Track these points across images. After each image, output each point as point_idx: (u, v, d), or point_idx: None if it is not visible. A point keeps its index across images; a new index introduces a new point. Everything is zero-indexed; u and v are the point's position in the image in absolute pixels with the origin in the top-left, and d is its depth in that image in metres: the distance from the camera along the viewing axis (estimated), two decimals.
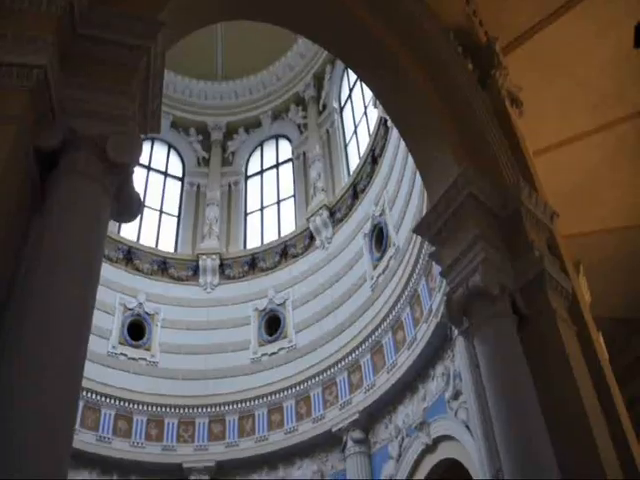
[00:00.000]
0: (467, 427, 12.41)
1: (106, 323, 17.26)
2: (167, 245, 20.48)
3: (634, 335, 12.28)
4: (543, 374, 5.97)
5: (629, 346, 12.29)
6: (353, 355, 16.12)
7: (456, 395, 13.08)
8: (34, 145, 4.13)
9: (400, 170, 15.92)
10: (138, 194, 4.75)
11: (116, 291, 18.02)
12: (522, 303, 6.31)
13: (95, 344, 16.45)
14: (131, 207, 4.62)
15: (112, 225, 18.63)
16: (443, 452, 13.55)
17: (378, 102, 15.00)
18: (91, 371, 16.02)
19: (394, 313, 15.30)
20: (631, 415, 7.03)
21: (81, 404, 15.75)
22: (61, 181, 4.09)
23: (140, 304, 18.24)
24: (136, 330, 17.95)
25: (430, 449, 13.75)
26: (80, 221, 3.98)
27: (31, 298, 3.98)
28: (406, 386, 14.71)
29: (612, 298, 11.31)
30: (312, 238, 19.12)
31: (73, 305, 3.95)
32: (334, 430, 15.61)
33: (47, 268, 3.88)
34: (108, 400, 16.29)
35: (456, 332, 12.11)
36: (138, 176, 19.86)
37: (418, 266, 14.32)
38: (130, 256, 18.95)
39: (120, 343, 17.45)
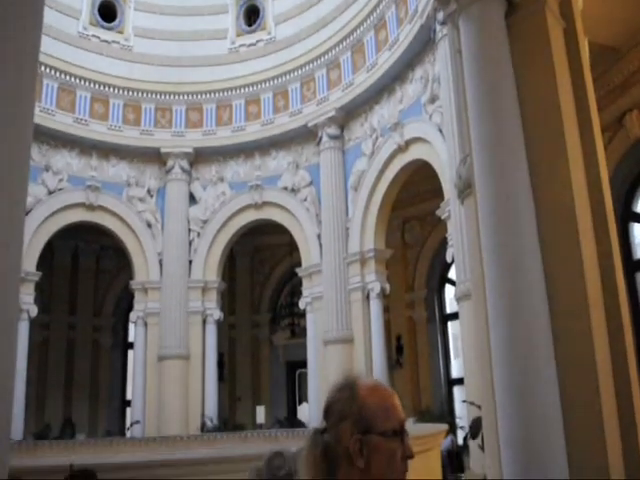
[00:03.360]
0: (440, 130, 12.62)
1: (74, 1, 16.34)
2: None
3: (616, 64, 11.92)
4: (525, 67, 5.82)
5: (610, 73, 12.01)
6: (333, 52, 15.75)
7: (433, 99, 13.10)
8: None
9: None
10: None
11: None
12: None
13: (64, 24, 15.77)
14: None
15: None
16: (414, 153, 13.99)
17: None
18: (62, 51, 15.60)
19: (378, 11, 14.61)
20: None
21: (55, 85, 15.60)
22: None
23: None
24: (108, 11, 17.07)
25: (402, 149, 14.15)
26: None
27: None
28: (384, 87, 14.65)
29: (604, 24, 10.69)
30: None
31: None
32: (310, 125, 15.88)
33: None
34: (83, 82, 16.08)
35: (439, 35, 11.71)
36: None
37: None
38: None
39: (91, 24, 16.70)
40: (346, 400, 1.50)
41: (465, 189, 5.95)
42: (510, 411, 3.53)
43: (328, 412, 1.53)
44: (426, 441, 6.39)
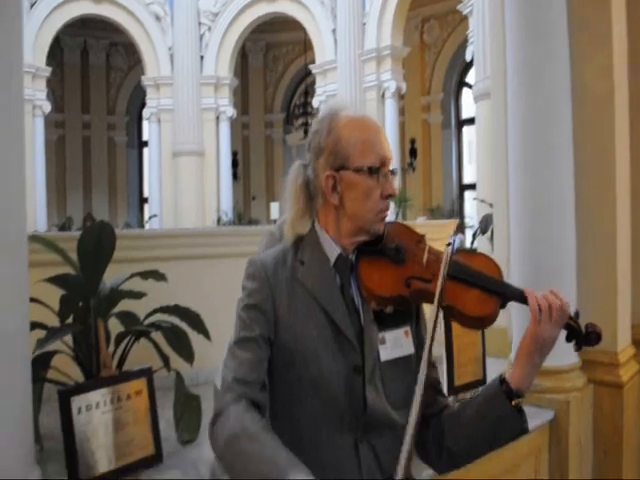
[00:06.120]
0: None
1: None
2: None
3: None
4: None
5: None
6: None
7: None
8: None
9: None
10: None
11: None
12: None
13: None
14: None
15: None
16: None
17: None
18: None
19: None
20: None
21: None
22: None
23: None
24: None
25: None
26: None
27: None
28: None
29: None
30: None
31: None
32: None
33: None
34: None
35: None
36: None
37: None
38: None
39: None
40: (323, 132, 1.38)
41: None
42: (523, 204, 3.53)
43: (309, 146, 1.43)
44: (436, 229, 6.56)
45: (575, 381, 3.34)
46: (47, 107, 15.33)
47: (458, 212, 16.02)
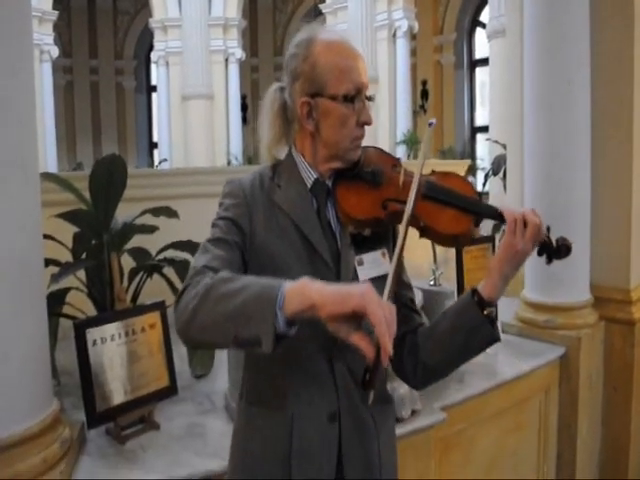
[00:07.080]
0: None
1: None
2: None
3: None
4: None
5: None
6: None
7: None
8: None
9: None
10: None
11: None
12: None
13: None
14: None
15: None
16: None
17: None
18: None
19: None
20: None
21: None
22: None
23: None
24: None
25: None
26: None
27: None
28: None
29: None
30: None
31: None
32: None
33: None
34: None
35: None
36: None
37: None
38: None
39: None
40: (300, 57, 1.35)
41: None
42: (538, 143, 3.45)
43: (286, 69, 1.41)
44: (450, 168, 6.54)
45: (587, 318, 3.35)
46: (55, 52, 15.16)
47: (470, 154, 15.85)
